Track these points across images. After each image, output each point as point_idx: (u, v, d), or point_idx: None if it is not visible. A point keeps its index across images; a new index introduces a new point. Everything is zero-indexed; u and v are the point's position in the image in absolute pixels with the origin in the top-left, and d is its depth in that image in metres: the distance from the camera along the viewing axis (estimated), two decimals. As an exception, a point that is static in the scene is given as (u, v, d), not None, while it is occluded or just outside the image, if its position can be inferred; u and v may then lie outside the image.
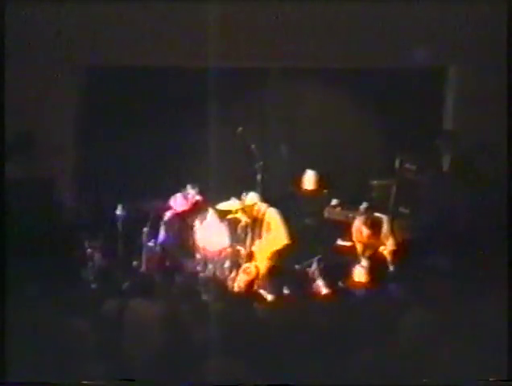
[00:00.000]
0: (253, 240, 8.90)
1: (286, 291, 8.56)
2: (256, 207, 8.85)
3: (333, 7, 9.68)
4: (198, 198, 9.38)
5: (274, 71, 10.52)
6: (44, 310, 5.93)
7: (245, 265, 8.71)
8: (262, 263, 8.74)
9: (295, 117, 10.63)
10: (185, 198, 9.40)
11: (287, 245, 8.69)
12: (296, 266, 9.00)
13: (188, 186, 9.39)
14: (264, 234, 8.82)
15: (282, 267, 8.75)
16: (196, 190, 9.37)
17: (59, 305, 6.22)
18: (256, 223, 8.92)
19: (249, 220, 9.03)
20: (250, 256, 8.87)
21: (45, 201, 9.43)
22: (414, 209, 9.51)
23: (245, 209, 8.92)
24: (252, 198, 8.93)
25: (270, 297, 8.40)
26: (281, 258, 8.73)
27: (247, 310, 6.63)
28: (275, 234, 8.72)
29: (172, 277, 8.78)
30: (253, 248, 8.88)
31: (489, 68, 9.56)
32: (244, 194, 9.02)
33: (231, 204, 9.33)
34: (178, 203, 9.38)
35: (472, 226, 8.77)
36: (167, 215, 9.32)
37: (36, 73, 9.75)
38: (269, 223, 8.80)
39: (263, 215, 8.87)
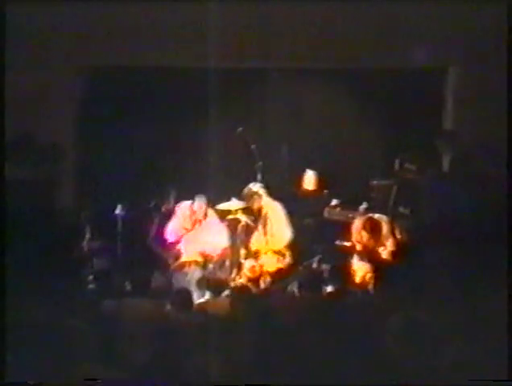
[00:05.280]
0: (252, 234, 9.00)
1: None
2: (256, 196, 8.98)
3: (333, 7, 9.68)
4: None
5: (274, 71, 10.52)
6: (44, 310, 5.93)
7: (248, 264, 8.75)
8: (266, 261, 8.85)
9: (295, 117, 10.63)
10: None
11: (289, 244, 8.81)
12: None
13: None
14: (261, 229, 8.92)
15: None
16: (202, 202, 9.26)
17: (58, 305, 6.22)
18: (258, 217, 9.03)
19: (249, 221, 9.11)
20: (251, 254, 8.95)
21: (45, 201, 9.43)
22: (414, 209, 9.51)
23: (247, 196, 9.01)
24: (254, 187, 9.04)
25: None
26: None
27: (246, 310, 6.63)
28: (277, 232, 8.82)
29: (172, 277, 8.80)
30: (254, 245, 8.95)
31: (489, 68, 9.56)
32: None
33: (231, 204, 9.35)
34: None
35: (473, 226, 8.77)
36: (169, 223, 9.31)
37: (36, 73, 9.75)
38: (266, 216, 8.91)
39: (261, 207, 9.00)
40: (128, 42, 9.86)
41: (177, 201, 9.39)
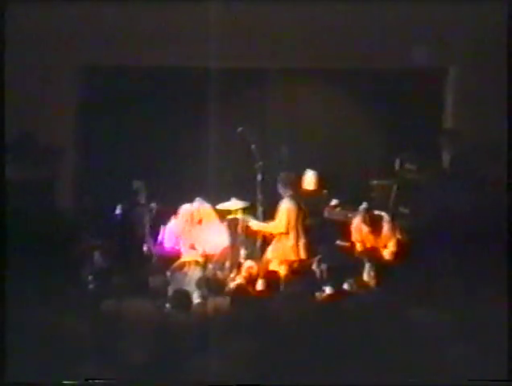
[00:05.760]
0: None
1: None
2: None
3: (333, 7, 9.68)
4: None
5: (274, 71, 10.52)
6: (44, 310, 5.93)
7: (247, 264, 8.74)
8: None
9: (295, 117, 10.63)
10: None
11: (281, 234, 8.82)
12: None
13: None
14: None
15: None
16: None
17: (58, 305, 6.22)
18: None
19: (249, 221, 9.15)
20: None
21: (45, 201, 9.43)
22: (414, 209, 9.51)
23: None
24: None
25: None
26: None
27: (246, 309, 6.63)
28: (277, 221, 8.84)
29: (172, 277, 8.79)
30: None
31: (489, 69, 9.56)
32: None
33: (231, 204, 9.35)
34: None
35: (472, 226, 8.77)
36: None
37: (36, 73, 9.75)
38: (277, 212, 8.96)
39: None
40: (128, 42, 9.86)
41: (170, 200, 9.42)
